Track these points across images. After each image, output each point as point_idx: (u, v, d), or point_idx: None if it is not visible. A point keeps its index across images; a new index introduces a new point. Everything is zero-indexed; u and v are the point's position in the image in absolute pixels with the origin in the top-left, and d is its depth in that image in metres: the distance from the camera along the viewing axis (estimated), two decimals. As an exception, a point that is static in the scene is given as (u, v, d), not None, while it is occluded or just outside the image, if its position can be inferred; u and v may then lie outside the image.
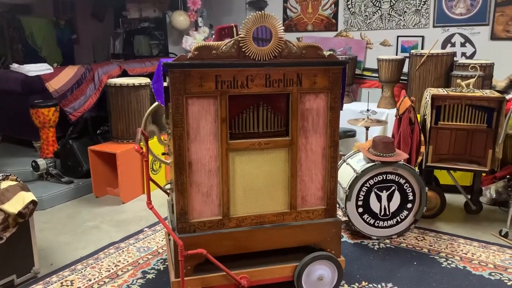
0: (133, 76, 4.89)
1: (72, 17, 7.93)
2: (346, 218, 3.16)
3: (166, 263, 2.92)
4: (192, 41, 6.00)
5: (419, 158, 3.38)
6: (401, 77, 4.79)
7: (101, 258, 3.00)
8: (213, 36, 2.84)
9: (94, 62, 6.65)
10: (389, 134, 4.24)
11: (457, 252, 3.01)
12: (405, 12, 5.38)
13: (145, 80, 4.21)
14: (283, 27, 2.16)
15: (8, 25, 7.39)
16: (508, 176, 3.70)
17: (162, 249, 3.11)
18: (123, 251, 3.09)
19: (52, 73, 4.59)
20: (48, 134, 4.36)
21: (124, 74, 5.03)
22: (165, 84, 2.24)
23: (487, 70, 4.07)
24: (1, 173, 2.80)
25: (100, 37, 7.93)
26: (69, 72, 4.69)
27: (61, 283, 2.70)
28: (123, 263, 2.92)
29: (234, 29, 2.70)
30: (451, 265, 2.85)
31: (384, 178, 3.09)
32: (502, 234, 3.23)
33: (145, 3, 6.99)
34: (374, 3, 5.58)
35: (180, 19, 6.16)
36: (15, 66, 4.66)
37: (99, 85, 4.76)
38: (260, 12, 2.12)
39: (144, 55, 7.10)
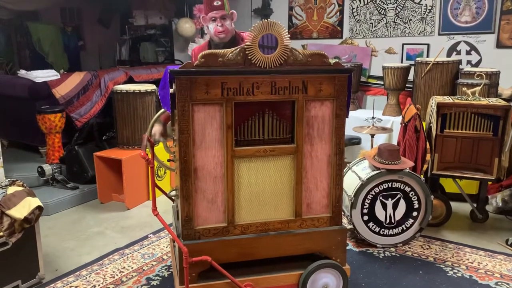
0: (139, 83, 4.92)
1: (79, 24, 8.00)
2: (351, 226, 3.15)
3: (171, 270, 2.91)
4: (198, 48, 6.02)
5: (425, 166, 3.37)
6: (407, 85, 4.79)
7: (106, 264, 3.00)
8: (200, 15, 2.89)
9: (101, 69, 6.70)
10: (395, 142, 4.23)
11: (463, 261, 2.99)
12: (410, 20, 5.40)
13: (151, 87, 4.23)
14: (288, 35, 2.17)
15: (16, 32, 7.46)
16: (514, 185, 3.69)
17: (167, 255, 3.11)
18: (127, 257, 3.09)
19: (58, 79, 4.63)
20: (54, 140, 4.38)
21: (130, 80, 5.07)
22: (171, 90, 2.26)
23: (493, 78, 4.07)
24: (7, 179, 2.82)
25: (106, 43, 7.99)
26: (76, 79, 4.72)
27: (66, 289, 2.70)
28: (128, 270, 2.92)
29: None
30: (457, 274, 2.83)
31: (390, 186, 3.09)
32: (509, 243, 3.21)
33: (151, 10, 7.05)
34: (380, 11, 5.59)
35: (186, 26, 6.20)
36: (22, 72, 4.71)
37: (105, 91, 4.79)
38: (266, 20, 2.13)
39: (150, 62, 7.14)
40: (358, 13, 5.76)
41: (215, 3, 2.72)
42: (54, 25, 7.44)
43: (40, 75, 4.55)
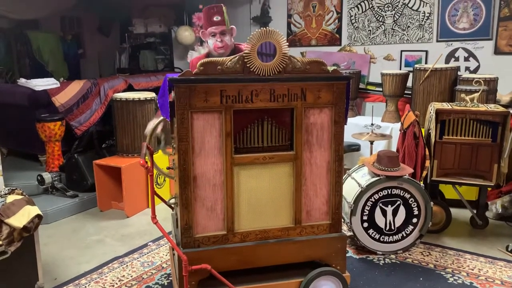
0: (138, 91, 4.93)
1: (79, 32, 8.03)
2: (351, 233, 3.15)
3: (170, 278, 2.90)
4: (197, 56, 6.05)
5: (424, 173, 3.37)
6: (405, 92, 4.80)
7: (105, 272, 2.99)
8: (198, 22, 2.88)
9: (100, 77, 6.71)
10: (394, 148, 4.24)
11: (464, 268, 2.98)
12: (409, 27, 5.42)
13: (150, 95, 4.24)
14: (287, 43, 2.19)
15: (16, 40, 7.49)
16: (514, 191, 3.68)
17: (166, 263, 3.10)
18: (127, 265, 3.08)
19: (58, 87, 4.63)
20: (53, 148, 4.38)
21: (130, 88, 5.08)
22: (170, 98, 2.26)
23: (491, 84, 4.07)
24: (7, 187, 2.82)
25: (106, 51, 8.02)
26: (75, 87, 4.73)
27: (65, 297, 2.69)
28: (127, 278, 2.91)
29: (224, 8, 2.73)
30: (458, 281, 2.82)
31: (389, 192, 3.08)
32: (509, 249, 3.20)
33: (150, 18, 7.08)
34: (378, 18, 5.62)
35: (185, 34, 6.23)
36: (22, 81, 4.72)
37: (105, 99, 4.80)
38: (265, 28, 2.15)
39: (149, 70, 7.16)
40: (357, 20, 5.79)
41: (214, 19, 2.73)
42: (54, 33, 7.46)
43: (40, 84, 4.56)
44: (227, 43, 2.78)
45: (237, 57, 2.15)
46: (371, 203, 3.08)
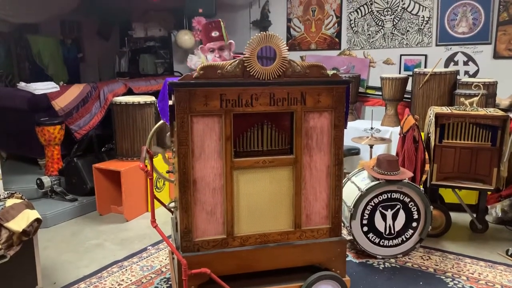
0: (138, 94, 4.93)
1: (79, 36, 8.05)
2: (351, 237, 3.14)
3: (170, 283, 2.89)
4: (197, 60, 6.04)
5: (424, 177, 3.37)
6: (405, 96, 4.81)
7: (104, 277, 2.98)
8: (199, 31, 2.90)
9: (100, 81, 6.72)
10: (393, 152, 4.24)
11: (464, 272, 2.97)
12: (408, 31, 5.44)
13: (150, 98, 4.25)
14: (287, 47, 2.19)
15: (16, 44, 7.50)
16: (513, 195, 3.68)
17: (166, 268, 3.09)
18: (126, 270, 3.07)
19: (58, 91, 4.64)
20: (53, 151, 4.38)
21: (130, 92, 5.08)
22: (170, 102, 2.27)
23: (491, 88, 4.08)
24: (6, 191, 2.81)
25: (106, 55, 8.03)
26: (75, 91, 4.73)
27: (64, 302, 2.68)
28: (126, 282, 2.90)
29: (222, 23, 2.75)
30: (458, 285, 2.82)
31: (389, 196, 3.08)
32: (509, 253, 3.20)
33: (150, 22, 7.10)
34: (377, 22, 5.64)
35: (185, 38, 6.24)
36: (22, 85, 4.72)
37: (105, 103, 4.80)
38: (264, 33, 2.15)
39: (149, 74, 7.17)
40: (356, 24, 5.80)
41: (213, 34, 2.75)
42: (53, 37, 7.48)
43: (40, 87, 4.56)
44: (225, 58, 2.80)
45: (237, 61, 2.16)
46: (371, 207, 3.08)
